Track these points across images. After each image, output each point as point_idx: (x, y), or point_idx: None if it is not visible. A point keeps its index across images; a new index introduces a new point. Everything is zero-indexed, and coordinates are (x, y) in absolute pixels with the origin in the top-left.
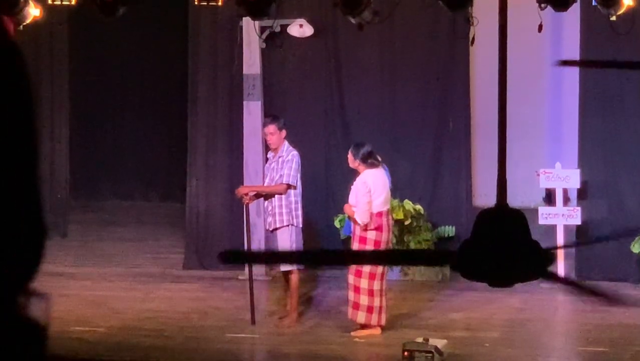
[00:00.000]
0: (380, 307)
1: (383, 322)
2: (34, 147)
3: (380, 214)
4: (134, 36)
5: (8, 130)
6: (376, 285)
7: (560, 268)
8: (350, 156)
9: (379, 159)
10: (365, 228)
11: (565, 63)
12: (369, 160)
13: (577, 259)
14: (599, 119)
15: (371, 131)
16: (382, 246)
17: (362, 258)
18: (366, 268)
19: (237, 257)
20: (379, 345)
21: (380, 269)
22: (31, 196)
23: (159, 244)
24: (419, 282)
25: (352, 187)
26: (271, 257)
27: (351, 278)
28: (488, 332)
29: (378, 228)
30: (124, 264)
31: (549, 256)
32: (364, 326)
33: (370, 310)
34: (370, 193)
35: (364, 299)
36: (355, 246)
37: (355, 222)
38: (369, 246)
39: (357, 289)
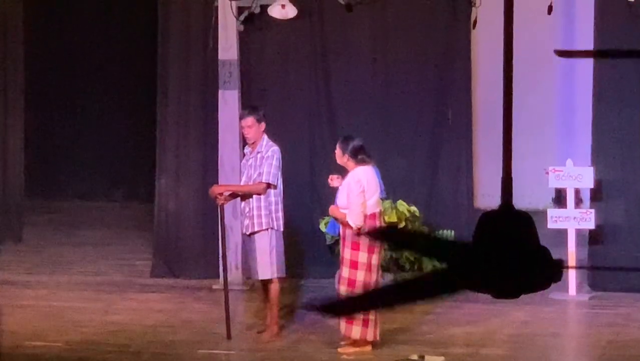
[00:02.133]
0: (376, 320)
1: (377, 336)
2: None
3: (373, 216)
4: (97, 17)
5: None
6: None
7: (572, 279)
8: (338, 150)
9: (370, 155)
10: (357, 232)
11: (564, 54)
12: (359, 156)
13: (589, 266)
14: (614, 111)
15: (361, 124)
16: (376, 252)
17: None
18: (360, 277)
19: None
20: None
21: (374, 277)
22: None
23: (124, 250)
24: None
25: (340, 187)
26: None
27: (343, 289)
28: (491, 348)
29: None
30: (85, 272)
31: (559, 264)
32: (355, 342)
33: (365, 323)
34: (364, 192)
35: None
36: (347, 252)
37: (346, 225)
38: (362, 252)
39: None
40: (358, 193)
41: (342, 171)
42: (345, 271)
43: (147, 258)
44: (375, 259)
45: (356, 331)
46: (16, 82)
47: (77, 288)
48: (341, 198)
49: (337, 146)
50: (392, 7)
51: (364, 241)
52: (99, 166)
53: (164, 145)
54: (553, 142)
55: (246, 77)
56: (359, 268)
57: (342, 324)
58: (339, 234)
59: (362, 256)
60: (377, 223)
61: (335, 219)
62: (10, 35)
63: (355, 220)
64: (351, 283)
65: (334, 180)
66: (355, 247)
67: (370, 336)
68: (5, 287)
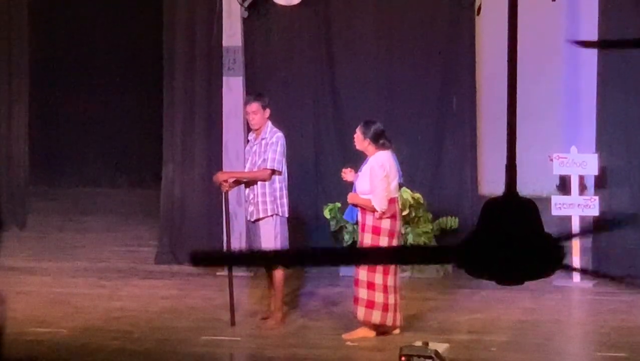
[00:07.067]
0: (395, 305)
1: (399, 322)
2: None
3: (393, 200)
4: (102, 4)
5: None
6: (390, 281)
7: (576, 263)
8: (358, 134)
9: (390, 140)
10: (381, 217)
11: (582, 44)
12: (380, 140)
13: (593, 253)
14: (619, 98)
15: (366, 110)
16: (396, 236)
17: (357, 257)
18: None
19: (212, 258)
20: (374, 349)
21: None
22: None
23: (129, 236)
24: (418, 279)
25: (360, 172)
26: (254, 257)
27: (363, 274)
28: (495, 335)
29: (392, 217)
30: (89, 258)
31: (562, 250)
32: (377, 327)
33: (385, 308)
34: (388, 177)
35: (379, 297)
36: (368, 237)
37: (369, 211)
38: (383, 237)
39: (371, 286)
40: (382, 177)
41: (353, 158)
42: None
43: (151, 244)
44: (395, 244)
45: (376, 315)
46: (21, 69)
47: (81, 274)
48: (362, 184)
49: (358, 130)
50: None
51: (385, 226)
52: (103, 153)
53: (169, 131)
54: (557, 129)
55: (250, 63)
56: None
57: (362, 310)
58: (356, 221)
59: (383, 241)
60: (398, 208)
61: (355, 205)
62: (15, 21)
63: (380, 204)
64: (371, 267)
65: (347, 174)
66: (377, 232)
67: (389, 321)
68: (9, 273)
